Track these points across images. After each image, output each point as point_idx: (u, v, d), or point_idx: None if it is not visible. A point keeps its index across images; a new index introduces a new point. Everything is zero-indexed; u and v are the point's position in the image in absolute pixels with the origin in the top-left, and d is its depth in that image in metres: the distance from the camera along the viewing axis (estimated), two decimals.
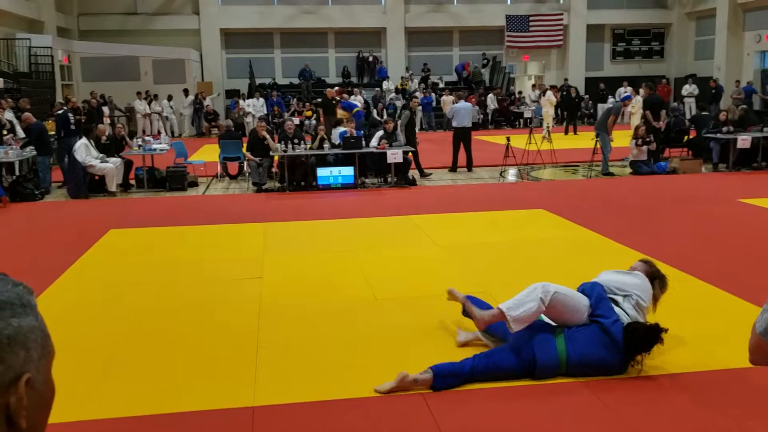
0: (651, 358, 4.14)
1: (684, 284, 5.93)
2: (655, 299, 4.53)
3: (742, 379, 4.05)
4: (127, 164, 12.51)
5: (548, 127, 19.18)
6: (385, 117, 17.15)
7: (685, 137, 14.87)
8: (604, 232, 7.91)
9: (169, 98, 23.38)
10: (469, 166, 13.97)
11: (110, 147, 12.42)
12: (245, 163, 12.79)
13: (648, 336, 4.00)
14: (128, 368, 4.42)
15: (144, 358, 4.57)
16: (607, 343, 4.07)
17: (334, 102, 18.60)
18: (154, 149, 12.89)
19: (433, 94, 25.41)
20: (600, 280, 4.53)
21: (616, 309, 4.23)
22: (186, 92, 23.79)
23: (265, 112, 21.84)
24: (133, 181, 12.69)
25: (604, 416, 3.67)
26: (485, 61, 28.21)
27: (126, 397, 3.99)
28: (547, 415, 3.70)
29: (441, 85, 27.00)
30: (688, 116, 19.46)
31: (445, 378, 3.98)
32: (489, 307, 4.54)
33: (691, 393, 3.91)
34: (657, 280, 4.57)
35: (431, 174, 13.30)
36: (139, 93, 22.88)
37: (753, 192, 10.48)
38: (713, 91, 22.43)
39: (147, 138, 13.98)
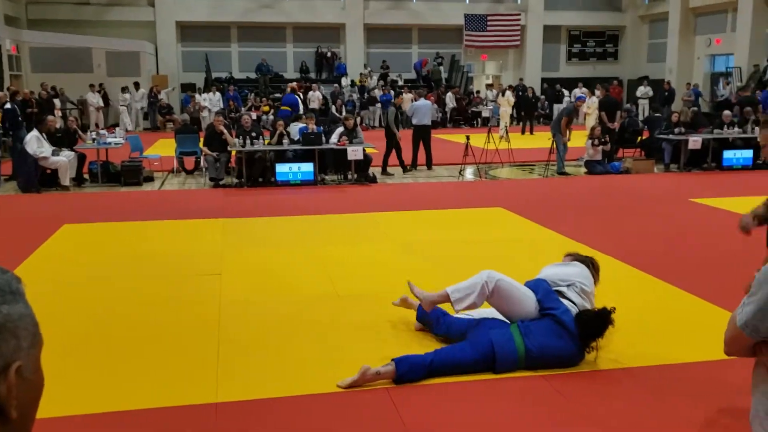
0: (606, 343, 4.24)
1: (638, 281, 6.08)
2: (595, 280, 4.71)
3: (693, 373, 4.17)
4: (81, 158, 12.25)
5: (506, 126, 19.36)
6: (344, 113, 17.15)
7: (639, 138, 15.19)
8: (560, 230, 8.04)
9: (123, 90, 22.89)
10: (429, 164, 14.04)
11: (62, 140, 12.14)
12: (202, 158, 12.63)
13: (599, 321, 4.15)
14: (86, 366, 4.33)
15: (102, 356, 4.49)
16: (562, 334, 4.17)
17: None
18: (109, 143, 12.65)
19: (392, 92, 25.43)
20: (542, 275, 4.67)
21: (563, 300, 4.35)
22: (137, 85, 23.33)
23: (222, 106, 21.60)
24: (86, 176, 12.43)
25: (563, 408, 3.74)
26: (440, 59, 28.40)
27: (84, 395, 3.92)
28: (506, 407, 3.75)
29: (400, 83, 27.06)
30: (641, 117, 19.87)
31: (407, 370, 4.00)
32: (442, 312, 4.69)
33: (644, 385, 4.00)
34: (589, 263, 4.76)
35: (412, 170, 13.63)
36: (92, 85, 22.38)
37: (703, 192, 10.78)
38: (666, 93, 22.96)
39: (101, 131, 13.69)
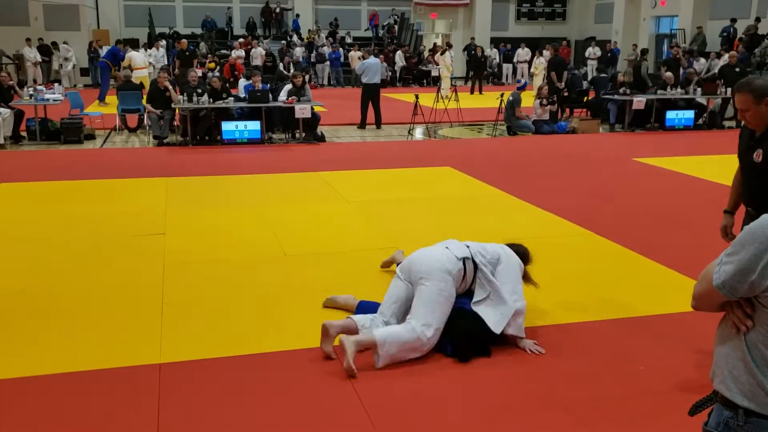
0: (543, 299, 4.30)
1: (581, 238, 6.20)
2: None
3: (637, 326, 4.29)
4: (18, 115, 11.80)
5: (440, 87, 18.88)
6: (293, 71, 16.85)
7: (585, 98, 15.37)
8: (508, 189, 8.12)
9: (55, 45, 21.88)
10: (378, 123, 13.96)
11: None
12: (145, 115, 12.31)
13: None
14: (25, 327, 4.22)
15: (42, 317, 4.38)
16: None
17: (187, 53, 18.91)
18: (47, 99, 12.19)
19: (341, 49, 25.09)
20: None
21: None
22: (54, 45, 22.14)
23: (166, 62, 21.01)
24: (24, 133, 12.01)
25: (514, 370, 3.80)
26: (396, 16, 28.10)
27: (25, 356, 3.82)
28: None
29: (349, 41, 26.68)
30: (588, 78, 20.08)
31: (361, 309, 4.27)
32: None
33: (586, 341, 4.10)
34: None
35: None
36: (28, 40, 21.48)
37: (646, 151, 10.99)
38: (608, 54, 23.24)
39: (39, 87, 13.18)
